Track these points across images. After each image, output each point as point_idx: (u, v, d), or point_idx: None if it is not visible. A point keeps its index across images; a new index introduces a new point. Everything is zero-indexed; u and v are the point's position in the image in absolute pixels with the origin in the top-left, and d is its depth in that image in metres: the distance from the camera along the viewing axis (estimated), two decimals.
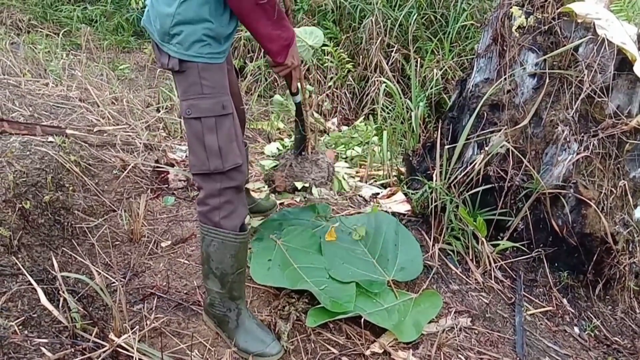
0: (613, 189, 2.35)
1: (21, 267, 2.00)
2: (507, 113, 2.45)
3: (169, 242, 2.49)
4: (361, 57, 4.84)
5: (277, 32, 1.66)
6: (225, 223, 1.77)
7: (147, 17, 1.71)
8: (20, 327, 1.77)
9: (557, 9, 2.33)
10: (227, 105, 1.69)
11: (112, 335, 1.78)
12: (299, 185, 2.15)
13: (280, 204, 2.84)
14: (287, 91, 2.06)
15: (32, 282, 1.92)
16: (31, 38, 5.21)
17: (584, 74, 2.25)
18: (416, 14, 4.66)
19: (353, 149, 3.79)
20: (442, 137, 2.70)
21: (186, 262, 2.38)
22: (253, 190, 2.93)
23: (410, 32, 4.59)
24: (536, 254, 2.48)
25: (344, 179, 2.46)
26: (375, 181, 3.20)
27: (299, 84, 1.99)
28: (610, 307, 2.47)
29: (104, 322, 1.97)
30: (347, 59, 4.75)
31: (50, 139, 2.73)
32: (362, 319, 2.01)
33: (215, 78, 1.67)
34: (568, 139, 2.32)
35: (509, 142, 2.41)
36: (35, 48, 4.73)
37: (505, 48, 2.46)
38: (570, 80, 2.30)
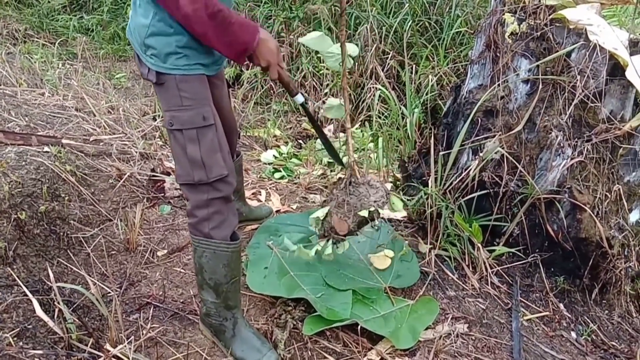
0: (608, 194, 2.36)
1: (16, 277, 1.99)
2: (501, 119, 2.46)
3: (165, 251, 2.49)
4: (356, 64, 4.85)
5: (227, 39, 1.57)
6: (216, 233, 1.77)
7: (128, 28, 1.73)
8: (15, 338, 1.76)
9: (549, 15, 2.35)
10: (208, 116, 1.68)
11: (107, 346, 1.78)
12: (364, 214, 1.95)
13: (276, 211, 2.85)
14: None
15: (28, 293, 1.92)
16: (27, 48, 5.22)
17: (577, 80, 2.26)
18: (411, 21, 4.67)
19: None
20: (437, 143, 2.71)
21: (182, 271, 2.37)
22: (248, 198, 2.94)
23: (405, 39, 4.60)
24: (532, 259, 2.48)
25: (397, 196, 2.17)
26: None
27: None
28: (606, 311, 2.47)
29: (100, 333, 1.96)
30: None
31: (46, 148, 2.74)
32: (359, 327, 2.01)
33: (194, 89, 1.66)
34: (562, 144, 2.33)
35: (503, 148, 2.42)
36: (32, 58, 4.73)
37: (498, 54, 2.47)
38: (563, 86, 2.31)
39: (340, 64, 1.95)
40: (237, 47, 1.60)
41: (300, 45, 4.78)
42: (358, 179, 2.00)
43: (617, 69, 2.23)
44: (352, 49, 1.97)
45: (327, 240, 2.06)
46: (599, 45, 2.21)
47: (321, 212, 2.04)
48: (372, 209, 1.96)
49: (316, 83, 4.73)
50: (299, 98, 1.90)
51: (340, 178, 2.07)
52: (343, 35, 1.89)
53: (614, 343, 2.33)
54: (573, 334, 2.33)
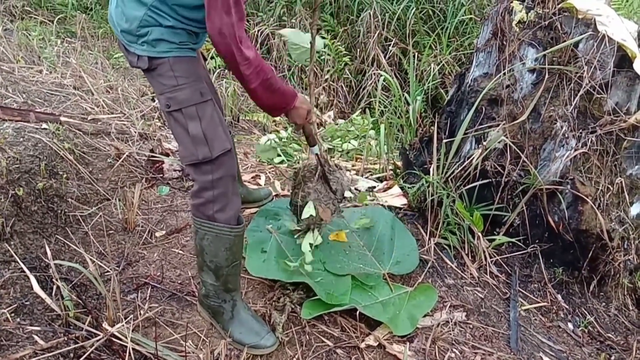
0: (610, 186, 2.35)
1: (14, 254, 1.97)
2: (505, 108, 2.44)
3: (164, 232, 2.47)
4: (358, 50, 4.82)
5: (271, 102, 1.77)
6: (220, 216, 1.75)
7: (111, 16, 1.70)
8: (13, 314, 1.74)
9: (558, 4, 2.32)
10: (204, 92, 1.69)
11: (105, 325, 1.77)
12: (349, 194, 2.14)
13: (276, 195, 2.83)
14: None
15: (25, 269, 1.90)
16: (25, 24, 5.14)
17: (584, 70, 2.25)
18: (414, 8, 4.64)
19: (349, 142, 3.78)
20: (440, 132, 2.69)
21: (180, 252, 2.36)
22: (248, 182, 2.92)
23: (408, 26, 4.57)
24: (532, 249, 2.48)
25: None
26: (372, 175, 3.19)
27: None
28: (604, 303, 2.47)
29: (98, 311, 1.95)
30: (344, 52, 4.73)
31: (44, 125, 2.70)
32: (357, 312, 2.00)
33: (187, 68, 1.67)
34: (566, 135, 2.31)
35: (507, 137, 2.40)
36: (29, 35, 4.66)
37: (505, 43, 2.45)
38: (570, 76, 2.30)
39: (307, 58, 2.02)
40: (277, 107, 1.83)
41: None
42: (332, 166, 2.13)
43: (624, 61, 2.21)
44: (318, 43, 2.06)
45: (314, 231, 2.19)
46: (608, 36, 2.20)
47: (309, 208, 2.12)
48: (352, 187, 2.18)
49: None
50: (315, 149, 2.09)
51: (303, 172, 2.19)
52: (314, 28, 1.93)
53: (610, 335, 2.34)
54: (570, 325, 2.34)
